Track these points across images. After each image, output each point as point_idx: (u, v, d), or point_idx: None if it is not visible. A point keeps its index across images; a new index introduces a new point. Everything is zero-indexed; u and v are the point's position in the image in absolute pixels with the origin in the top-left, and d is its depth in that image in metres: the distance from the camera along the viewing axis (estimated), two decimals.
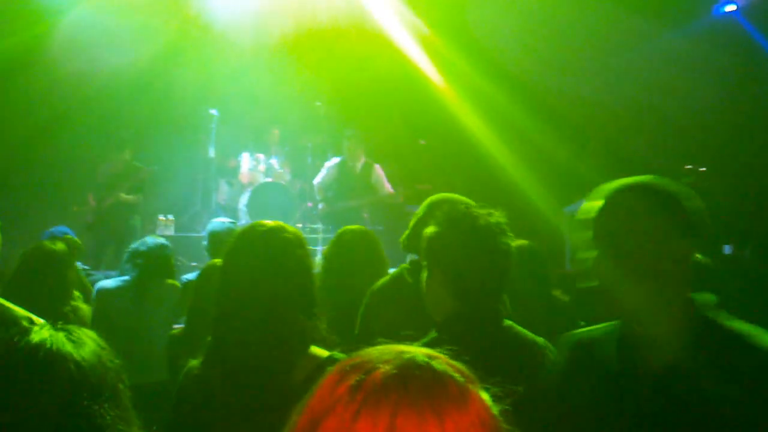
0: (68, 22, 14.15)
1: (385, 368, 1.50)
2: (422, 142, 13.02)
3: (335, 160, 13.48)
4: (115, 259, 12.00)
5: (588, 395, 2.80)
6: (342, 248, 5.87)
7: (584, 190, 9.59)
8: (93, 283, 7.65)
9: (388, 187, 13.22)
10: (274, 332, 3.16)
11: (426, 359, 1.53)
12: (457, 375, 1.52)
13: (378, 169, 13.26)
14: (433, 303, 3.48)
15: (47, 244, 5.85)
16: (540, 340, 3.49)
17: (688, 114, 15.34)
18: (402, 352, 1.55)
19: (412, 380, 1.48)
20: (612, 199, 2.71)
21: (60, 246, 5.87)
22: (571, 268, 11.78)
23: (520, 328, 3.50)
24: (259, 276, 3.22)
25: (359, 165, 13.16)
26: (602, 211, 2.71)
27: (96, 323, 6.44)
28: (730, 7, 15.55)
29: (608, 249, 2.65)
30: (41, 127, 13.88)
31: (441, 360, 1.55)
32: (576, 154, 13.32)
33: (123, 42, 14.98)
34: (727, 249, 10.93)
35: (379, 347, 1.59)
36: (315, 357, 3.19)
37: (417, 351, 1.56)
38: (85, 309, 6.16)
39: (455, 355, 1.57)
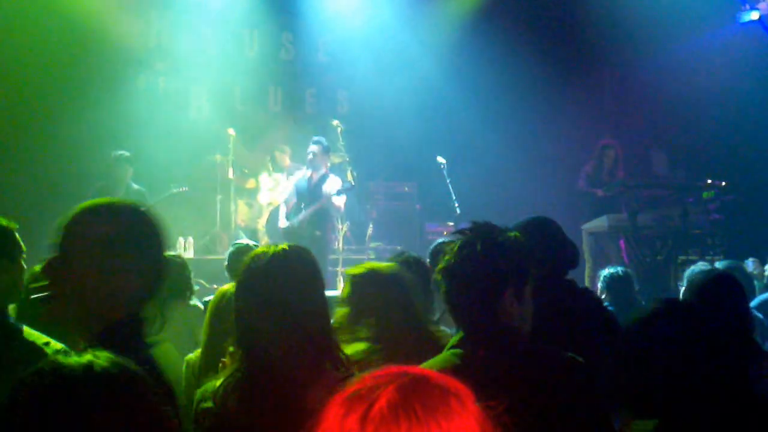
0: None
1: (387, 394, 1.51)
2: (442, 160, 12.92)
3: (299, 174, 13.13)
4: None
5: None
6: None
7: (604, 206, 9.63)
8: None
9: (334, 197, 12.52)
10: (291, 352, 3.20)
11: (424, 378, 1.55)
12: (454, 389, 1.55)
13: (333, 179, 12.65)
14: None
15: None
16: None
17: (709, 127, 15.31)
18: (399, 374, 1.56)
19: (417, 402, 1.49)
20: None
21: None
22: (588, 286, 11.76)
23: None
24: (275, 296, 3.24)
25: (316, 177, 12.62)
26: None
27: None
28: (754, 15, 15.44)
29: None
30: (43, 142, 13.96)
31: (437, 376, 1.57)
32: (596, 170, 13.26)
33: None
34: (749, 264, 10.89)
35: (375, 370, 1.59)
36: (334, 375, 3.22)
37: (414, 370, 1.58)
38: None
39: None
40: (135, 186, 12.84)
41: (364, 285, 4.58)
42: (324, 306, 3.40)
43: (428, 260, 7.63)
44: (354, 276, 4.61)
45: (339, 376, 3.18)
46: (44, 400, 1.88)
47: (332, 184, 12.48)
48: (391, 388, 1.51)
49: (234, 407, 3.20)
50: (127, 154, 12.73)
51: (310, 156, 12.47)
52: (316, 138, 12.74)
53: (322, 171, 12.56)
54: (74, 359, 1.97)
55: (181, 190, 13.13)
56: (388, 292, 4.52)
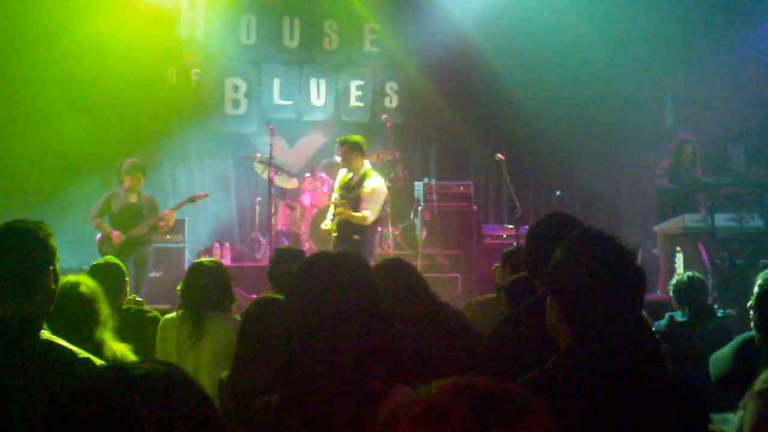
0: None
1: (458, 416, 1.47)
2: (500, 157, 12.81)
3: (342, 173, 12.39)
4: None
5: None
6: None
7: (680, 205, 9.51)
8: (147, 318, 7.69)
9: (368, 205, 11.80)
10: (357, 371, 3.09)
11: (496, 394, 1.52)
12: (527, 404, 1.52)
13: (374, 178, 12.01)
14: (554, 334, 3.45)
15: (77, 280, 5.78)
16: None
17: None
18: (466, 387, 1.52)
19: (494, 425, 1.46)
20: None
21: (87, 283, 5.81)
22: (663, 293, 11.65)
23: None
24: (335, 307, 3.13)
25: (356, 176, 11.98)
26: None
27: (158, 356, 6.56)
28: None
29: None
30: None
31: (508, 390, 1.53)
32: (674, 166, 13.11)
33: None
34: None
35: (435, 384, 1.56)
36: (401, 394, 3.06)
37: (481, 384, 1.54)
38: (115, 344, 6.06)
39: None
40: (146, 195, 12.85)
41: None
42: (385, 320, 3.33)
43: (499, 265, 7.58)
44: None
45: (379, 388, 3.11)
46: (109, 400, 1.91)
47: (373, 182, 11.94)
48: (463, 408, 1.48)
49: (276, 423, 3.15)
50: (138, 161, 12.78)
51: (340, 159, 12.11)
52: (340, 138, 12.30)
53: (362, 170, 12.04)
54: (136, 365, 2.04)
55: (200, 195, 13.15)
56: None
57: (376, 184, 11.85)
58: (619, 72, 16.17)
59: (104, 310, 5.54)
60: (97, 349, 5.28)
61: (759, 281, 5.36)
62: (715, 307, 8.75)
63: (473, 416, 1.46)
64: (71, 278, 5.57)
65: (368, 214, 11.67)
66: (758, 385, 4.24)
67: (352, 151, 11.87)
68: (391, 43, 16.68)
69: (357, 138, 12.05)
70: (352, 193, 11.81)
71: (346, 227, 11.75)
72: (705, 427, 3.37)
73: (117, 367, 2.03)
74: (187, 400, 2.00)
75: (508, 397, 1.52)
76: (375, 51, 16.85)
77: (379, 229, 13.13)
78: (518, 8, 15.72)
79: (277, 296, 5.30)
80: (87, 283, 5.56)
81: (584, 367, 3.23)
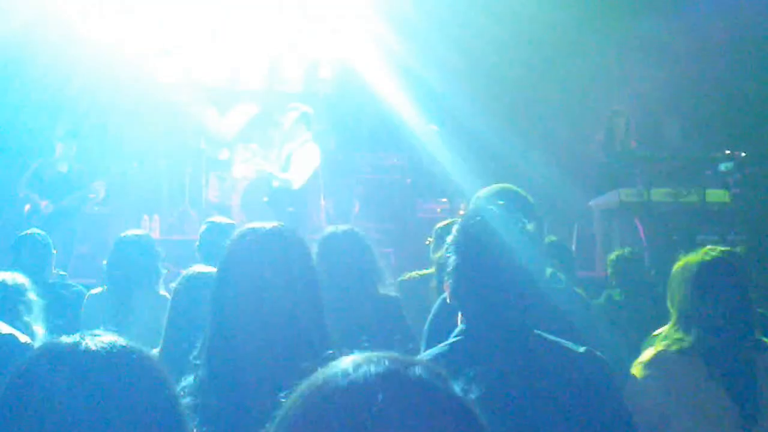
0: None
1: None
2: (433, 128, 12.77)
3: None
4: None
5: None
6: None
7: (615, 179, 9.56)
8: (72, 293, 7.61)
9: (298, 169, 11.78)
10: (285, 353, 3.03)
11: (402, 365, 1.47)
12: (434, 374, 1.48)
13: (308, 149, 11.97)
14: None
15: None
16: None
17: (727, 90, 15.20)
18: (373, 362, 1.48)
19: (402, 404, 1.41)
20: None
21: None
22: (600, 269, 11.68)
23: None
24: (266, 286, 3.09)
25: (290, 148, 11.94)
26: None
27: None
28: None
29: None
30: None
31: (411, 361, 1.49)
32: (608, 139, 13.14)
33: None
34: None
35: (348, 358, 1.52)
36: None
37: (389, 359, 1.49)
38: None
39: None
40: (76, 165, 12.68)
41: None
42: (319, 292, 3.27)
43: (433, 240, 7.58)
44: None
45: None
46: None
47: (308, 150, 11.89)
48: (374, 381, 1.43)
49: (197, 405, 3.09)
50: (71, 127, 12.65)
51: (284, 122, 12.00)
52: (293, 104, 12.27)
53: (301, 139, 11.91)
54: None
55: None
56: None
57: (310, 151, 11.76)
58: (553, 45, 16.19)
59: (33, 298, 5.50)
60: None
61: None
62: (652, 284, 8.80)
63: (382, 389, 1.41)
64: None
65: (296, 177, 11.58)
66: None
67: (300, 119, 11.83)
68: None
69: (308, 109, 11.96)
70: (285, 158, 11.73)
71: (281, 197, 11.62)
72: (616, 400, 3.37)
73: (72, 341, 1.96)
74: (149, 374, 2.00)
75: (415, 368, 1.46)
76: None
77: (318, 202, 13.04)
78: None
79: (207, 269, 5.22)
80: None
81: (472, 344, 3.24)
